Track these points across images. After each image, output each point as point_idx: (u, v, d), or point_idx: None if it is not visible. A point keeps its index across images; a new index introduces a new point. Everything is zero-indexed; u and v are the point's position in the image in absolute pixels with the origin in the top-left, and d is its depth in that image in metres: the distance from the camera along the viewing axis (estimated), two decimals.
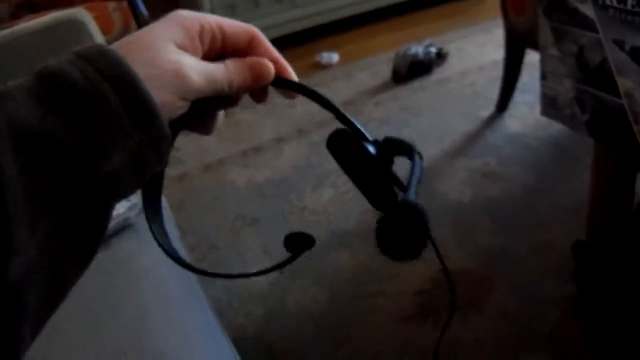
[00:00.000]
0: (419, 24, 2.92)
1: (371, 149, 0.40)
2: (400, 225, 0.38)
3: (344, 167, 0.42)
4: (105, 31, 1.63)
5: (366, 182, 0.42)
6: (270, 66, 0.39)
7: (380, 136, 0.42)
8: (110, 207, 0.32)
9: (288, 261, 0.39)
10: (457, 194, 1.70)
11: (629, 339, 1.18)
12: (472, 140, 1.96)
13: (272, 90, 0.42)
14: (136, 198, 0.92)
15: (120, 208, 0.93)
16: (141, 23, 2.05)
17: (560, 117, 1.04)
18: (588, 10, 0.86)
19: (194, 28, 0.36)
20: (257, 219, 1.74)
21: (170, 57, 0.34)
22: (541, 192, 1.66)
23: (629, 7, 0.78)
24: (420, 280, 1.42)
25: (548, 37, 0.98)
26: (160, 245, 0.39)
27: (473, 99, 2.20)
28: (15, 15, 2.18)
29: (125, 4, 2.09)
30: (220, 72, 0.37)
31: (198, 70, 0.35)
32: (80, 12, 1.07)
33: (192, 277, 0.94)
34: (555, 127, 1.81)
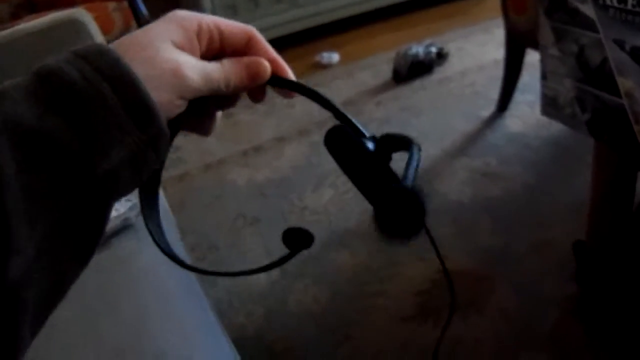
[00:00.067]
0: (419, 23, 2.92)
1: (369, 145, 0.40)
2: (398, 203, 0.39)
3: (341, 163, 0.42)
4: (105, 31, 1.63)
5: (364, 178, 0.42)
6: (267, 65, 0.40)
7: None
8: (109, 206, 0.32)
9: (285, 259, 0.39)
10: (458, 193, 1.70)
11: (629, 339, 1.18)
12: (472, 139, 1.96)
13: (271, 90, 0.42)
14: (136, 198, 0.92)
15: (121, 208, 0.94)
16: (141, 23, 2.05)
17: (561, 116, 1.03)
18: (588, 10, 0.86)
19: (192, 28, 0.36)
20: (258, 219, 1.74)
21: (169, 56, 0.34)
22: (542, 192, 1.65)
23: (629, 7, 0.78)
24: (421, 280, 1.42)
25: (548, 37, 0.98)
26: (155, 242, 0.39)
27: (473, 99, 2.20)
28: (16, 15, 2.18)
29: (125, 4, 2.10)
30: (217, 71, 0.37)
31: (196, 70, 0.35)
32: (80, 12, 1.08)
33: (192, 276, 0.94)
34: (556, 127, 1.81)
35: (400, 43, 2.55)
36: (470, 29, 2.76)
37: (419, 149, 0.41)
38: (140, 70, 0.32)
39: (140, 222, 0.95)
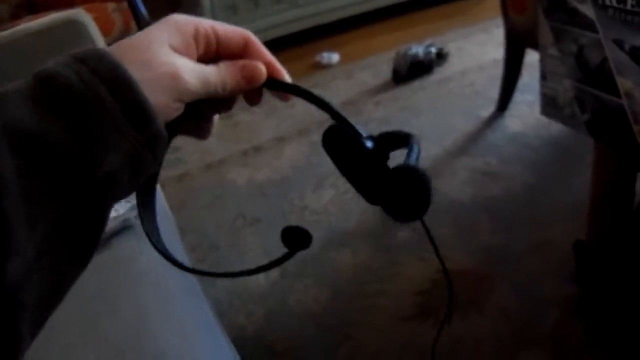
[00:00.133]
0: (419, 24, 2.92)
1: (367, 143, 0.41)
2: (403, 184, 0.39)
3: (339, 163, 0.42)
4: (105, 32, 1.63)
5: (362, 176, 0.42)
6: (262, 68, 0.40)
7: None
8: (107, 208, 0.32)
9: (283, 259, 0.39)
10: (458, 193, 1.70)
11: (629, 338, 1.18)
12: (472, 139, 1.96)
13: (269, 93, 0.42)
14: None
15: (120, 209, 0.94)
16: (141, 24, 2.05)
17: (560, 116, 1.04)
18: (588, 10, 0.86)
19: (189, 31, 0.37)
20: (258, 219, 1.74)
21: (166, 59, 0.35)
22: (542, 191, 1.66)
23: (628, 7, 0.78)
24: (421, 279, 1.42)
25: (548, 37, 0.98)
26: (152, 243, 0.39)
27: (473, 99, 2.20)
28: (16, 15, 2.18)
29: (125, 4, 2.09)
30: (214, 74, 0.37)
31: (193, 73, 0.36)
32: (80, 13, 1.08)
33: (192, 276, 0.94)
34: (556, 127, 1.81)
35: (400, 43, 2.55)
36: (470, 29, 2.76)
37: (418, 141, 0.42)
38: (137, 74, 0.32)
39: (140, 223, 0.94)
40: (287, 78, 0.42)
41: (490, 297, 1.35)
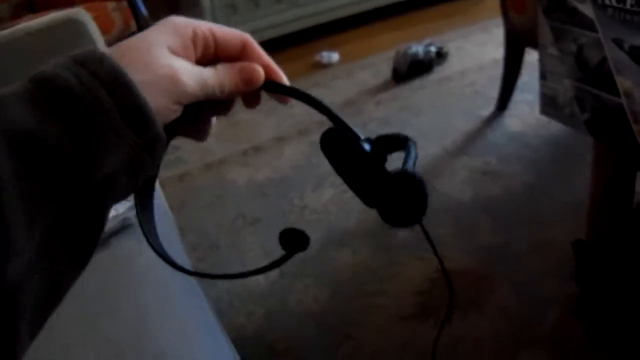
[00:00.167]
0: (418, 23, 2.92)
1: (365, 146, 0.41)
2: (400, 190, 0.39)
3: (336, 165, 0.42)
4: (105, 31, 1.63)
5: (360, 178, 0.42)
6: (260, 70, 0.40)
7: None
8: (106, 209, 0.32)
9: (280, 261, 0.39)
10: (458, 192, 1.70)
11: (629, 338, 1.18)
12: (472, 139, 1.96)
13: (267, 94, 0.42)
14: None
15: (120, 208, 0.94)
16: (141, 23, 2.05)
17: (560, 116, 1.04)
18: (587, 9, 0.86)
19: (187, 34, 0.37)
20: (258, 218, 1.74)
21: (165, 62, 0.35)
22: (541, 191, 1.66)
23: (627, 6, 0.78)
24: (421, 279, 1.42)
25: (547, 37, 0.98)
26: (150, 244, 0.39)
27: (473, 98, 2.20)
28: (16, 14, 2.18)
29: (125, 4, 2.09)
30: (212, 76, 0.37)
31: (192, 75, 0.36)
32: (79, 12, 1.08)
33: (192, 277, 0.94)
34: (556, 126, 1.81)
35: (400, 42, 2.55)
36: (469, 28, 2.76)
37: (415, 145, 0.42)
38: (136, 76, 0.32)
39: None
40: (285, 80, 0.42)
41: (490, 297, 1.35)
